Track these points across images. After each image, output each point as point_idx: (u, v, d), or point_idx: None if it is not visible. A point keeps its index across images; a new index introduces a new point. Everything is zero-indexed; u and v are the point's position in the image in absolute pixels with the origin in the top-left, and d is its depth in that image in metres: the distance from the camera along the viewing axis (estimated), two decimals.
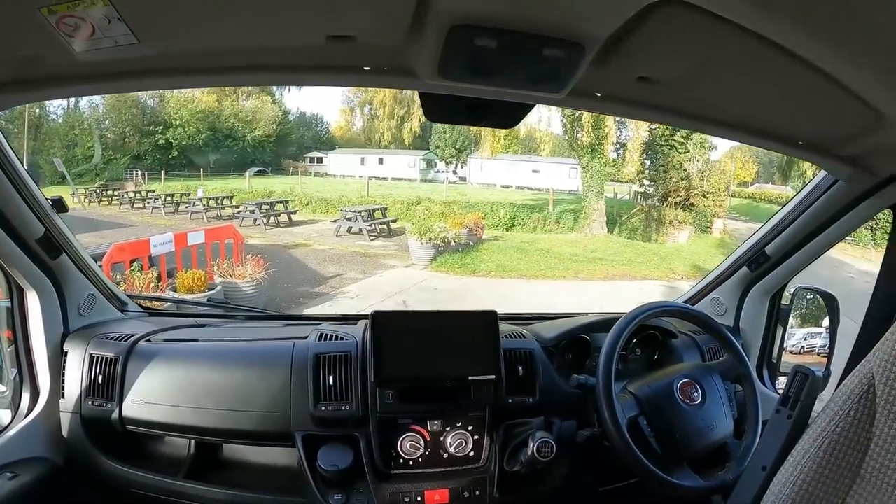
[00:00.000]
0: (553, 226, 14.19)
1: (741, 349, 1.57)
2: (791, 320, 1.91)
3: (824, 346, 1.75)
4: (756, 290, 1.87)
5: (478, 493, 1.40)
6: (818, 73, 0.93)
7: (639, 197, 15.16)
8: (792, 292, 1.89)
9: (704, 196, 14.07)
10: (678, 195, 13.97)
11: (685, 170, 13.96)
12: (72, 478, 1.44)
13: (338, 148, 28.61)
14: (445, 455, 1.41)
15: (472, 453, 1.43)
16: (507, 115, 1.17)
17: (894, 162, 1.40)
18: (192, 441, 1.49)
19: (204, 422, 1.40)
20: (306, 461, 1.36)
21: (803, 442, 1.04)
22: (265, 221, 13.83)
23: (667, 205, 14.03)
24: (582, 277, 10.84)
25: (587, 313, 1.81)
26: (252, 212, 14.00)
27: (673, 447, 1.40)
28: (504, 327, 1.60)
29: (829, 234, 1.63)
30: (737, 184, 14.87)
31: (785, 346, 1.89)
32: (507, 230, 13.99)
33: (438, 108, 1.12)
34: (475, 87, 0.99)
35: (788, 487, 1.02)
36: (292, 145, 29.46)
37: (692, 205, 14.01)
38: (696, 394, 1.46)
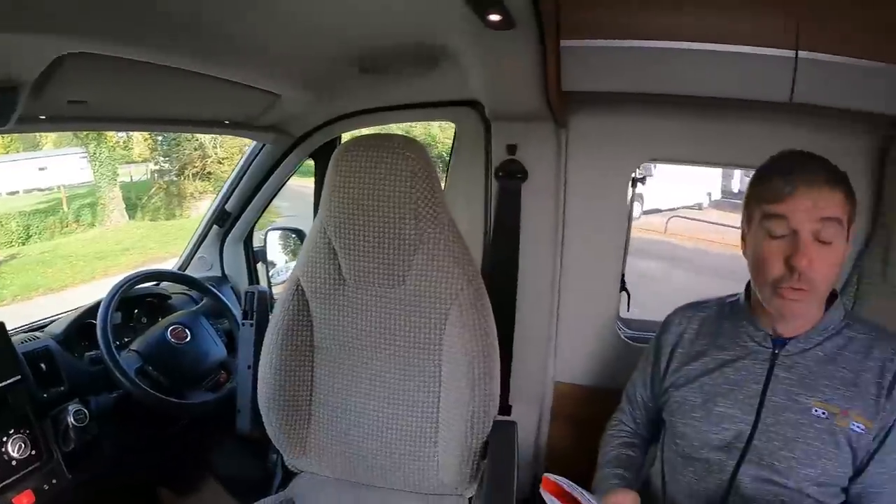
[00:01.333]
0: (72, 226, 12.88)
1: (215, 290, 2.01)
2: (283, 256, 2.37)
3: None
4: (229, 241, 2.24)
5: (54, 481, 1.48)
6: (217, 79, 1.29)
7: (156, 175, 14.62)
8: (264, 234, 2.28)
9: (220, 163, 14.10)
10: (195, 166, 14.09)
11: (198, 140, 13.77)
12: None
13: None
14: (14, 462, 1.43)
15: (34, 452, 1.46)
16: None
17: (300, 126, 1.90)
18: None
19: None
20: None
21: (267, 337, 1.35)
22: None
23: (185, 178, 14.09)
24: (112, 273, 10.05)
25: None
26: None
27: (181, 378, 1.78)
28: (19, 336, 1.68)
29: (270, 183, 2.09)
30: None
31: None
32: (24, 244, 12.17)
33: None
34: None
35: (268, 370, 1.34)
36: None
37: (210, 173, 14.11)
38: (184, 334, 1.85)
